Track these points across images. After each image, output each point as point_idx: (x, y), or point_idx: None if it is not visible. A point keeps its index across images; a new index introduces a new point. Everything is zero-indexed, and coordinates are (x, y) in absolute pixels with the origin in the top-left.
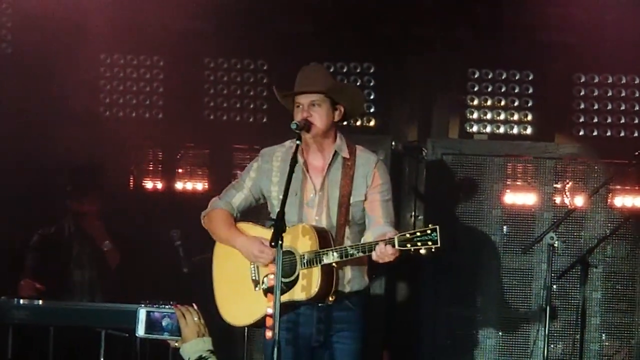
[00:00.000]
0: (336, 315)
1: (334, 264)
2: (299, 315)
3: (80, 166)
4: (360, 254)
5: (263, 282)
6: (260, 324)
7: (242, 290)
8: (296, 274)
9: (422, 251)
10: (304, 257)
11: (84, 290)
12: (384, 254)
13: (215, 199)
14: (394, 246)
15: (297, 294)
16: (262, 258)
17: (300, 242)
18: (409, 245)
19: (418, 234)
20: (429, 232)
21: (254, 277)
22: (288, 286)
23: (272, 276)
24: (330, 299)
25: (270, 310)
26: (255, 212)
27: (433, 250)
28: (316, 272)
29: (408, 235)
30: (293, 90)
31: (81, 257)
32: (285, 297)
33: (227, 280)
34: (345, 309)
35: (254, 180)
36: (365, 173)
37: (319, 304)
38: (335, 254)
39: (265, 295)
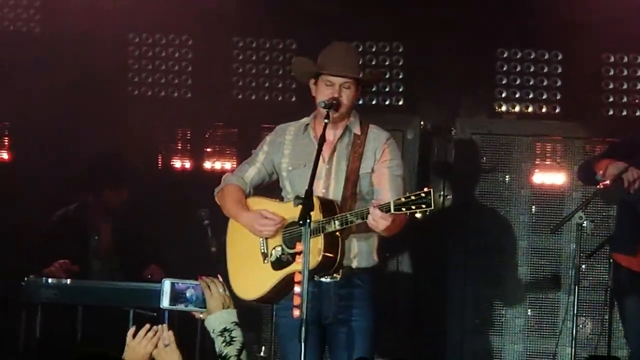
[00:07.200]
0: (345, 293)
1: (337, 234)
2: (309, 293)
3: (117, 155)
4: (359, 220)
5: (271, 255)
6: (267, 299)
7: (251, 263)
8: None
9: (418, 215)
10: None
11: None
12: (375, 218)
13: (228, 175)
14: (388, 211)
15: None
16: (265, 231)
17: None
18: (404, 209)
19: (413, 197)
20: (423, 195)
21: (262, 250)
22: (293, 257)
23: (279, 248)
24: (336, 275)
25: (298, 289)
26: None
27: (427, 213)
28: (319, 241)
29: (403, 200)
30: (326, 67)
31: (101, 247)
32: (290, 268)
33: (239, 254)
34: (354, 287)
35: (266, 154)
36: (375, 148)
37: (326, 280)
38: (336, 222)
39: (274, 268)
